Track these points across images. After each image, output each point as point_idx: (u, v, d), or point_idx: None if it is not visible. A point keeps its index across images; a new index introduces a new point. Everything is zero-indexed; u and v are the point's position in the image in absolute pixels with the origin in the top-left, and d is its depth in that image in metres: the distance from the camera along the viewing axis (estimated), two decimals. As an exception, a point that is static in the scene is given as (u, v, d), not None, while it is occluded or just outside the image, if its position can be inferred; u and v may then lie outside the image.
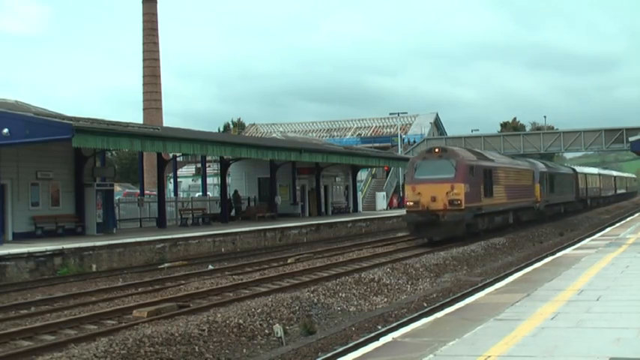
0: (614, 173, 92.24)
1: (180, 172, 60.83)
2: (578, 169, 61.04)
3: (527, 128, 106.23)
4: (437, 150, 30.09)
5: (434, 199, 28.63)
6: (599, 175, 71.81)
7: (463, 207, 28.56)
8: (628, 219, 41.30)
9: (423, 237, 30.12)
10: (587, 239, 26.18)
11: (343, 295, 17.29)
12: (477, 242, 28.93)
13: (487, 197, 31.61)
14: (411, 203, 29.16)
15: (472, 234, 30.37)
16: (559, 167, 53.65)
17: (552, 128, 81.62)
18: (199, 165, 52.07)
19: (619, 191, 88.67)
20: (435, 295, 18.03)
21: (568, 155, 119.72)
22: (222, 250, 29.91)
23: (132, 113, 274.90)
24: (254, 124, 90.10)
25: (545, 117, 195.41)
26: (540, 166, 44.74)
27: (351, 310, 16.29)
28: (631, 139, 35.10)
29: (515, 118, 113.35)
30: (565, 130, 61.19)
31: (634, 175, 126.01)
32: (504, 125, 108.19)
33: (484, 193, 31.26)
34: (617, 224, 35.98)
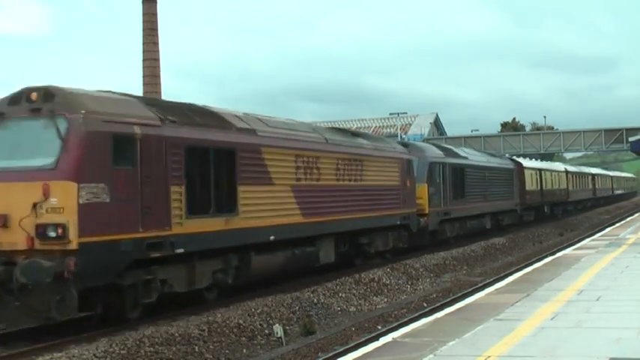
0: (593, 171, 72.06)
1: (180, 172, 60.64)
2: (526, 162, 42.55)
3: (527, 128, 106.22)
4: (33, 95, 12.07)
5: (3, 222, 11.43)
6: (567, 172, 53.24)
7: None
8: (628, 219, 41.32)
9: None
10: (587, 239, 26.21)
11: (343, 295, 17.29)
12: (477, 242, 28.91)
13: (211, 214, 14.09)
14: None
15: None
16: (481, 157, 34.94)
17: (552, 128, 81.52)
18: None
19: (601, 194, 70.73)
20: (434, 295, 18.05)
21: (568, 155, 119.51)
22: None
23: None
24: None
25: (545, 117, 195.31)
26: (433, 152, 27.25)
27: (351, 310, 16.29)
28: (631, 139, 35.12)
29: (515, 118, 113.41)
30: (565, 130, 61.13)
31: (631, 175, 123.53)
32: (504, 125, 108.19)
33: (216, 205, 14.17)
34: (617, 224, 35.99)
